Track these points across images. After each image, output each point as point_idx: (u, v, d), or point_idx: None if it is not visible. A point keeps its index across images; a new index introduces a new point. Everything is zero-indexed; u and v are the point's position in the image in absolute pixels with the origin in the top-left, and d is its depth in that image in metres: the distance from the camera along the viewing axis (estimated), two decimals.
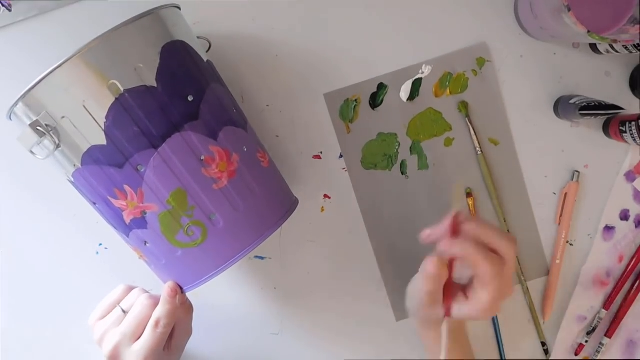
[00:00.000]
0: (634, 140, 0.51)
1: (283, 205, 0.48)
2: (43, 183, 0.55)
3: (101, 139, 0.41)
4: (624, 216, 0.57)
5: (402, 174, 0.57)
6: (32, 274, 0.57)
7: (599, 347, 0.58)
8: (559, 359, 0.58)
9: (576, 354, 0.58)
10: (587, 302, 0.57)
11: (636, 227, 0.57)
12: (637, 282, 0.57)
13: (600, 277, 0.57)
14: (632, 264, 0.57)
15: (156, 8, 0.43)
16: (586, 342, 0.57)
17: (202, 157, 0.43)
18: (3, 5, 0.52)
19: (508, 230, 0.57)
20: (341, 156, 0.57)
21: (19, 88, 0.41)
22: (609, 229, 0.57)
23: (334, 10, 0.55)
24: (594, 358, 0.58)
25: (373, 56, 0.56)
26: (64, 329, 0.57)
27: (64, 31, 0.54)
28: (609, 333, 0.57)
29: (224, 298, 0.58)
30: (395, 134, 0.56)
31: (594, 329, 0.57)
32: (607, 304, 0.57)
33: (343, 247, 0.58)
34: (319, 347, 0.59)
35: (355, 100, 0.56)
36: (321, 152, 0.57)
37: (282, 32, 0.55)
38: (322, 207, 0.57)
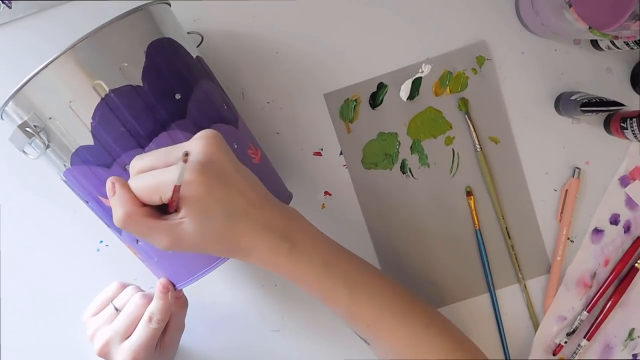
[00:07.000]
0: (635, 136, 0.51)
1: None
2: (43, 180, 0.55)
3: (88, 140, 0.41)
4: (614, 220, 0.56)
5: (403, 173, 0.57)
6: (33, 271, 0.57)
7: (577, 348, 0.57)
8: (537, 359, 0.57)
9: (554, 354, 0.57)
10: (568, 303, 0.57)
11: (625, 232, 0.56)
12: (620, 287, 0.56)
13: (584, 279, 0.56)
14: (617, 268, 0.56)
15: (144, 4, 0.43)
16: (565, 342, 0.56)
17: None
18: (3, 3, 0.52)
19: (507, 229, 0.56)
20: (341, 153, 0.57)
21: None
22: (598, 231, 0.56)
23: (334, 10, 0.55)
24: (571, 359, 0.57)
25: (372, 55, 0.55)
26: (65, 327, 0.57)
27: (63, 29, 0.54)
28: (588, 335, 0.56)
29: (225, 295, 0.58)
30: (396, 134, 0.56)
31: (574, 330, 0.56)
32: (590, 307, 0.56)
33: (343, 244, 0.57)
34: (320, 344, 0.59)
35: (355, 100, 0.56)
36: (322, 149, 0.57)
37: (283, 30, 0.55)
38: (323, 204, 0.57)
